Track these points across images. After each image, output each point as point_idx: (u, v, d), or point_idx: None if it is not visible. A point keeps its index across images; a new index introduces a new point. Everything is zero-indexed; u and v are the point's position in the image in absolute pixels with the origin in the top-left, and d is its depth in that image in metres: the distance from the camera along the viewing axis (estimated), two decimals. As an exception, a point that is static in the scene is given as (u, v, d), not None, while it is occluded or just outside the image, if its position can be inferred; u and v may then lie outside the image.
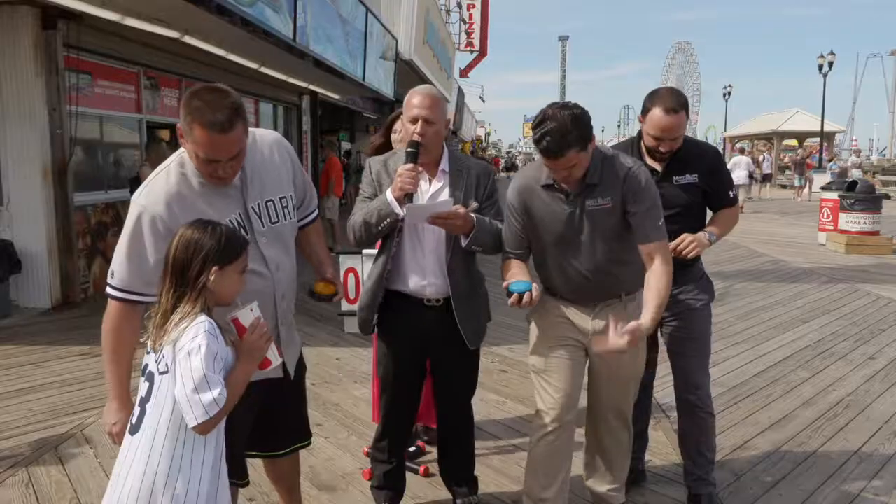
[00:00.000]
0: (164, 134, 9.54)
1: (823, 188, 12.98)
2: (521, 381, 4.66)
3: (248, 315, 1.87)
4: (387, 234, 2.64)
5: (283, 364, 2.26)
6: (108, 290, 2.07)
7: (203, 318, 1.77)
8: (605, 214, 2.44)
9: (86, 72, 7.24)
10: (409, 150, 2.56)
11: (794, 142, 34.43)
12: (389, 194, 2.53)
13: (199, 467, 1.80)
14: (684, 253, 2.72)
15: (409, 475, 3.04)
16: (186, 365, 1.71)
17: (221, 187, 2.13)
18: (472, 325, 2.70)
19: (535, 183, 2.52)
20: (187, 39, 7.47)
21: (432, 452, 3.03)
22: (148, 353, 1.84)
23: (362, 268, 3.37)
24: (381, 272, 2.67)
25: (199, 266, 1.80)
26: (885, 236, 11.03)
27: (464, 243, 2.57)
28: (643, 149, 2.86)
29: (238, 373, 1.82)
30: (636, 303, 2.60)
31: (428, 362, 2.81)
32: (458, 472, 2.92)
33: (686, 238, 2.73)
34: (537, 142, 2.32)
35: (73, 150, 6.80)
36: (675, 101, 2.72)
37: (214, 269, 1.80)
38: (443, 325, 2.65)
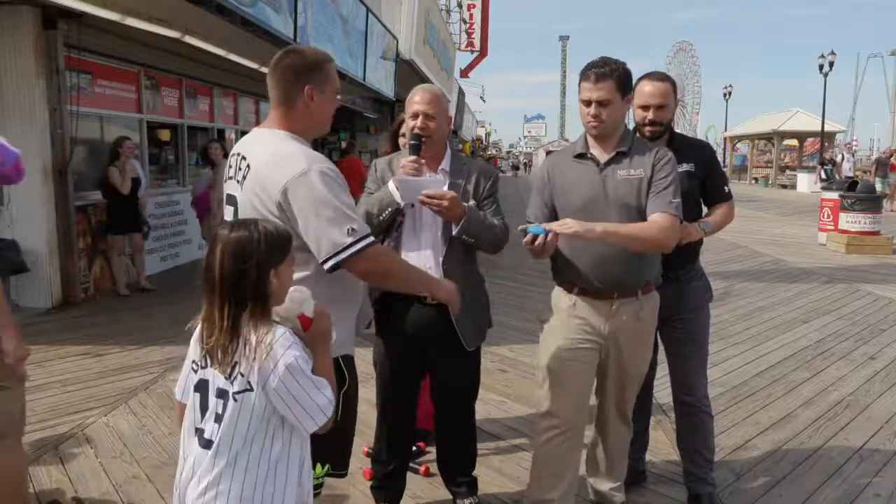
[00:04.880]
0: (165, 134, 9.54)
1: (824, 188, 12.98)
2: (521, 381, 4.67)
3: (310, 305, 1.81)
4: (385, 232, 2.67)
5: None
6: (364, 242, 1.97)
7: (282, 329, 1.68)
8: (633, 186, 2.48)
9: (86, 72, 7.25)
10: (411, 142, 2.65)
11: (794, 142, 34.43)
12: (391, 184, 2.62)
13: (285, 471, 1.74)
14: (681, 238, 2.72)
15: (409, 475, 3.04)
16: (292, 382, 1.65)
17: None
18: (469, 326, 2.69)
19: (566, 155, 2.64)
20: (187, 39, 7.47)
21: (432, 452, 3.03)
22: (202, 367, 1.73)
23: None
24: None
25: (255, 274, 1.66)
26: (885, 236, 11.03)
27: (455, 231, 2.60)
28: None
29: (322, 366, 1.78)
30: (652, 304, 2.60)
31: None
32: (458, 472, 2.92)
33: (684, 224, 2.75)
34: (585, 68, 2.49)
35: (73, 150, 6.80)
36: (660, 74, 2.91)
37: (272, 272, 1.69)
38: (440, 324, 2.65)
